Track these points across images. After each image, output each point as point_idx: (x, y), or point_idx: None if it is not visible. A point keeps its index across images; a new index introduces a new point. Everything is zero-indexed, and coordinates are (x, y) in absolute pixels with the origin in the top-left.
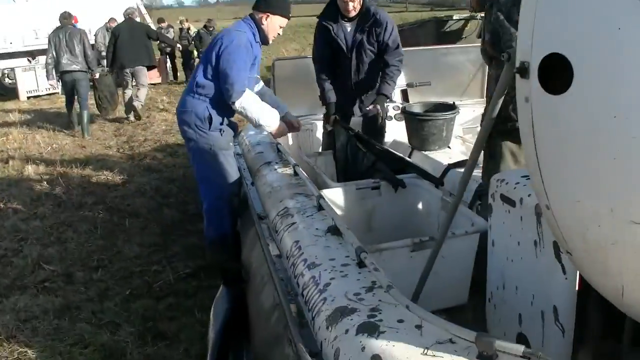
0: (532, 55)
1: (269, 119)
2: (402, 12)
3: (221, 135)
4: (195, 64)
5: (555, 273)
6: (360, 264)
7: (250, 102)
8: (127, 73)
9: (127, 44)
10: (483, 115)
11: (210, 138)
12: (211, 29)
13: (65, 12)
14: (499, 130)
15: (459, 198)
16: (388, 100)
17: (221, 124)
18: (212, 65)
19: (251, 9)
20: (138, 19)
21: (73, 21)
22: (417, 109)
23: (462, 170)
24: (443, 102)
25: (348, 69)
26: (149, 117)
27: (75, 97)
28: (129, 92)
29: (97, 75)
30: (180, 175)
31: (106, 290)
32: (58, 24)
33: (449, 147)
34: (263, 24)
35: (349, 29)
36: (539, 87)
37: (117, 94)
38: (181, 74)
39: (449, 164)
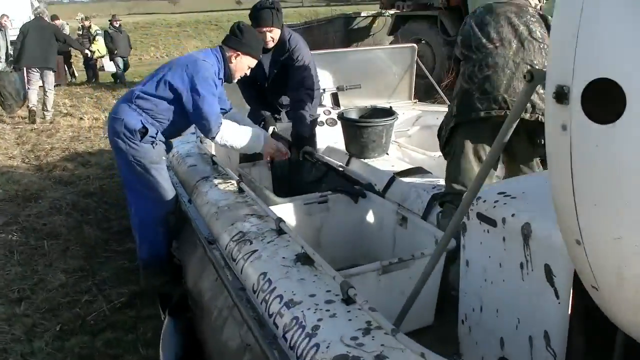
0: (573, 80)
1: (255, 141)
2: (299, 7)
3: (153, 147)
4: (98, 64)
5: (546, 297)
6: (348, 301)
7: (230, 132)
8: (32, 72)
9: (35, 44)
10: (446, 117)
11: (141, 150)
12: (117, 25)
13: None
14: (461, 123)
15: (459, 219)
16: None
17: (153, 136)
18: (166, 84)
19: (221, 42)
20: (47, 19)
21: None
22: (353, 115)
23: (408, 180)
24: (380, 106)
25: (268, 92)
26: (52, 122)
27: None
28: (33, 93)
29: None
30: (97, 188)
31: (33, 327)
32: None
33: (387, 153)
34: (232, 62)
35: (265, 62)
36: (583, 115)
37: (24, 91)
38: (81, 74)
39: (394, 173)
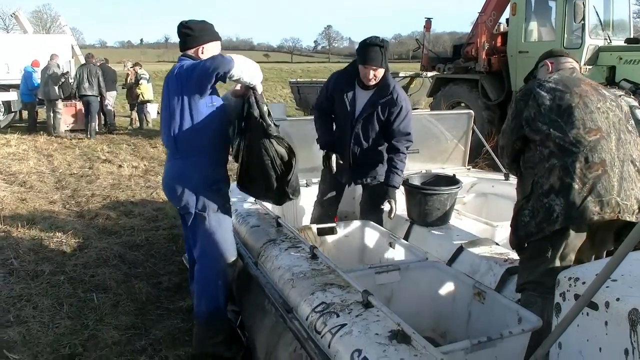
0: None
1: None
2: (325, 62)
3: (218, 194)
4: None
5: None
6: None
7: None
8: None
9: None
10: (535, 209)
11: (204, 198)
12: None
13: (89, 53)
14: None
15: (583, 303)
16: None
17: (217, 179)
18: (176, 104)
19: (180, 51)
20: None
21: (93, 60)
22: (417, 181)
23: (476, 250)
24: (442, 173)
25: (348, 137)
26: (91, 168)
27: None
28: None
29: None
30: (143, 240)
31: None
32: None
33: (449, 221)
34: (199, 58)
35: (361, 98)
36: None
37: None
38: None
39: (461, 244)
